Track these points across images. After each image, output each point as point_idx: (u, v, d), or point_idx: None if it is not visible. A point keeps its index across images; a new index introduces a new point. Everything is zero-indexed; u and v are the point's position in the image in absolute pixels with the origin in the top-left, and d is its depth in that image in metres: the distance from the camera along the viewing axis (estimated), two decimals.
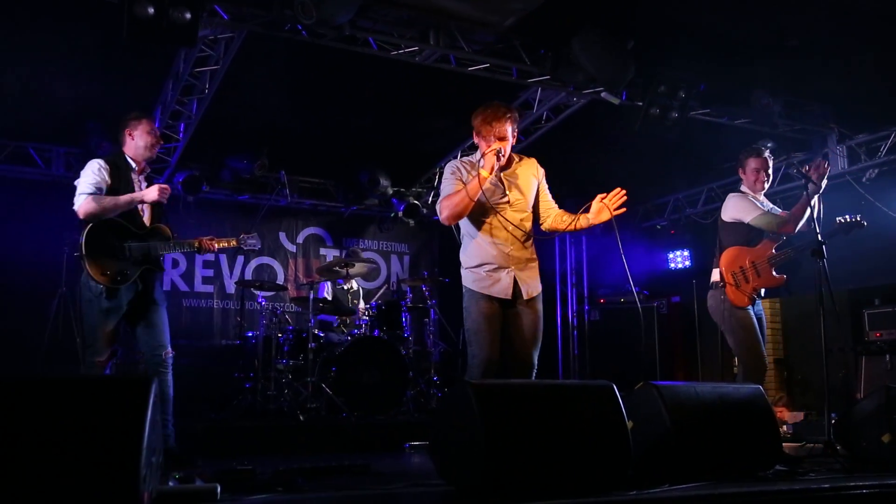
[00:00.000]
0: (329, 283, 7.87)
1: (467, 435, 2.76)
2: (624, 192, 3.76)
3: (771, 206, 5.20)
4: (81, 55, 5.97)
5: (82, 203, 4.20)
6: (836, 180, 7.47)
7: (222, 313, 8.76)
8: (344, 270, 7.44)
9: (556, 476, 2.77)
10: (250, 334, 7.48)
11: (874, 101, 6.78)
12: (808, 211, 4.72)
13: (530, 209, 3.93)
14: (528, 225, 3.91)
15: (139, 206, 4.37)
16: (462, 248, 3.93)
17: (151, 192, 4.30)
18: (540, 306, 3.86)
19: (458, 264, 3.96)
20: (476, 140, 3.88)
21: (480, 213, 3.78)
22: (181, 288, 8.63)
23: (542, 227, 4.01)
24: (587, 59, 5.75)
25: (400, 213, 9.37)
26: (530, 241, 3.92)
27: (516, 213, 3.84)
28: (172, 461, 3.95)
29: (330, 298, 7.71)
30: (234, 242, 4.87)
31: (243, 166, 8.12)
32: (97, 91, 6.58)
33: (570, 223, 3.89)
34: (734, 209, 5.07)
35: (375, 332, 7.16)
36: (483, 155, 3.73)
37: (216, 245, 4.64)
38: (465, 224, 3.86)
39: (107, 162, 4.33)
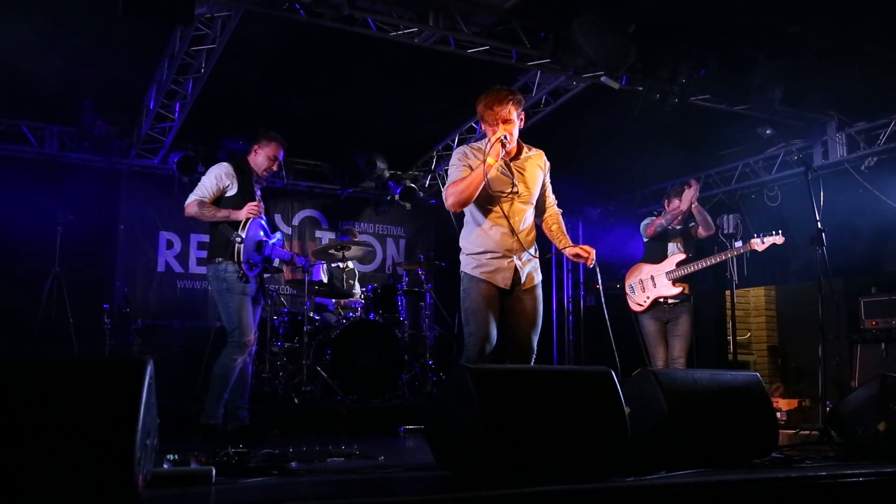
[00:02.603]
0: (324, 264, 7.84)
1: (464, 420, 2.75)
2: (593, 257, 3.86)
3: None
4: (76, 33, 5.90)
5: (189, 203, 4.76)
6: (835, 168, 7.47)
7: None
8: (340, 253, 7.41)
9: (553, 462, 2.76)
10: None
11: (874, 89, 6.75)
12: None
13: (535, 200, 3.90)
14: (532, 215, 3.90)
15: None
16: (464, 234, 3.90)
17: (242, 212, 4.72)
18: (540, 293, 3.85)
19: (455, 248, 3.93)
20: (483, 127, 3.83)
21: (487, 200, 3.74)
22: (175, 269, 8.60)
23: (535, 221, 4.00)
24: (587, 43, 5.69)
25: (396, 197, 9.34)
26: (534, 232, 3.90)
27: (522, 203, 3.82)
28: (247, 436, 4.57)
29: (325, 280, 7.69)
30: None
31: (239, 147, 8.06)
32: (92, 69, 6.51)
33: (552, 235, 4.02)
34: None
35: (371, 316, 7.14)
36: (490, 142, 3.69)
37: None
38: (470, 210, 3.82)
39: (233, 167, 4.85)
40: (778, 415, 6.50)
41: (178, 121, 7.24)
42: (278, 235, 5.15)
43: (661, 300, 5.89)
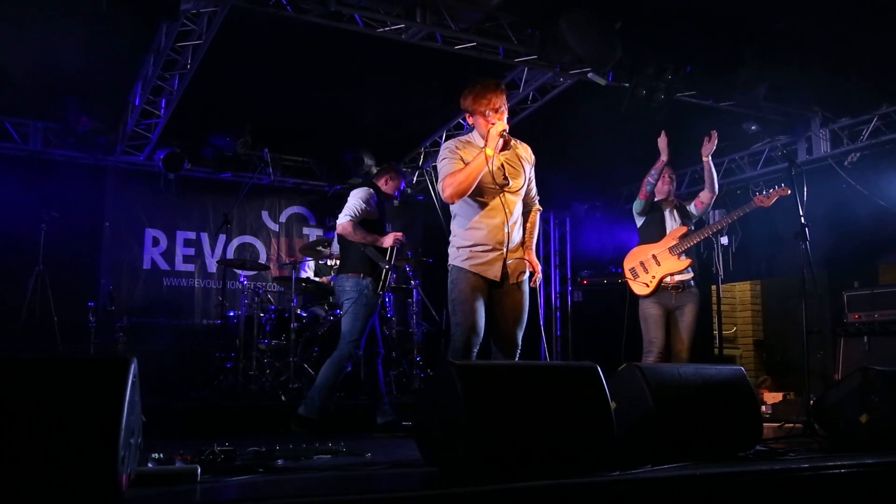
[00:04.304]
0: (311, 262, 7.83)
1: (451, 416, 2.75)
2: (537, 281, 3.87)
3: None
4: (60, 28, 5.84)
5: (345, 223, 5.24)
6: (818, 164, 7.52)
7: (203, 293, 8.71)
8: (327, 250, 7.39)
9: (539, 456, 2.78)
10: (232, 314, 7.43)
11: (857, 86, 6.80)
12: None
13: (523, 193, 3.91)
14: (521, 209, 3.90)
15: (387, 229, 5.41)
16: (454, 227, 3.90)
17: (388, 239, 5.21)
18: (527, 288, 3.85)
19: (443, 245, 3.93)
20: (470, 121, 3.83)
21: (478, 193, 3.74)
22: (161, 266, 8.56)
23: None
24: (574, 40, 5.70)
25: None
26: (521, 225, 3.91)
27: (513, 195, 3.82)
28: (395, 428, 5.16)
29: (312, 277, 7.67)
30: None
31: (226, 144, 8.03)
32: (76, 65, 6.45)
33: (526, 236, 3.95)
34: None
35: None
36: (487, 134, 3.68)
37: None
38: (460, 203, 3.81)
39: (377, 193, 5.41)
40: (763, 408, 6.54)
41: (164, 117, 7.20)
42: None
43: (668, 280, 5.51)
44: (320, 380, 5.19)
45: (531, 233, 3.97)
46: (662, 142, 5.57)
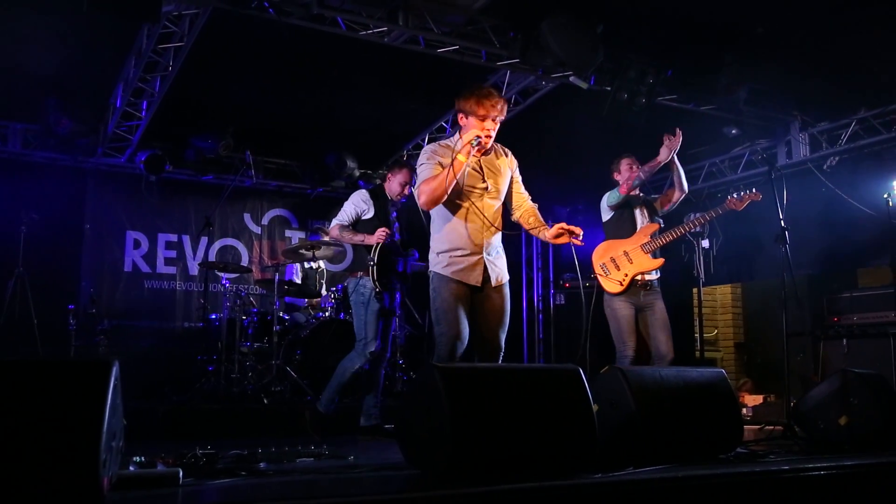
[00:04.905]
0: (298, 265, 7.81)
1: (433, 418, 2.76)
2: (581, 232, 3.76)
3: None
4: (40, 29, 5.79)
5: (332, 227, 5.39)
6: (797, 168, 7.60)
7: (185, 295, 8.65)
8: (310, 253, 7.38)
9: (521, 459, 2.78)
10: (214, 317, 7.39)
11: (835, 90, 6.88)
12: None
13: (503, 197, 3.92)
14: (500, 213, 3.91)
15: (395, 232, 5.38)
16: (433, 231, 3.90)
17: (374, 237, 5.16)
18: (507, 291, 3.86)
19: (426, 247, 3.93)
20: (462, 122, 3.81)
21: (456, 197, 3.74)
22: (143, 269, 8.50)
23: (512, 219, 4.01)
24: (556, 43, 5.73)
25: None
26: (501, 229, 3.91)
27: (491, 200, 3.83)
28: (378, 433, 5.14)
29: (299, 280, 7.65)
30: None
31: (208, 146, 7.98)
32: (57, 66, 6.40)
33: (532, 228, 3.91)
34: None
35: (341, 316, 7.12)
36: (463, 141, 3.68)
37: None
38: (439, 208, 3.82)
39: (369, 194, 5.40)
40: (744, 410, 6.59)
41: (145, 119, 7.15)
42: (414, 254, 5.50)
43: (639, 279, 5.36)
44: (331, 379, 5.29)
45: (536, 217, 3.92)
46: (673, 142, 5.28)
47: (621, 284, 5.37)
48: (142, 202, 8.42)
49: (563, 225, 3.73)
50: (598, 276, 5.53)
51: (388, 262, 5.21)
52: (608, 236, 5.64)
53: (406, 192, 5.42)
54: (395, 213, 5.51)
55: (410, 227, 5.64)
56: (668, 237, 5.44)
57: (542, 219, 3.97)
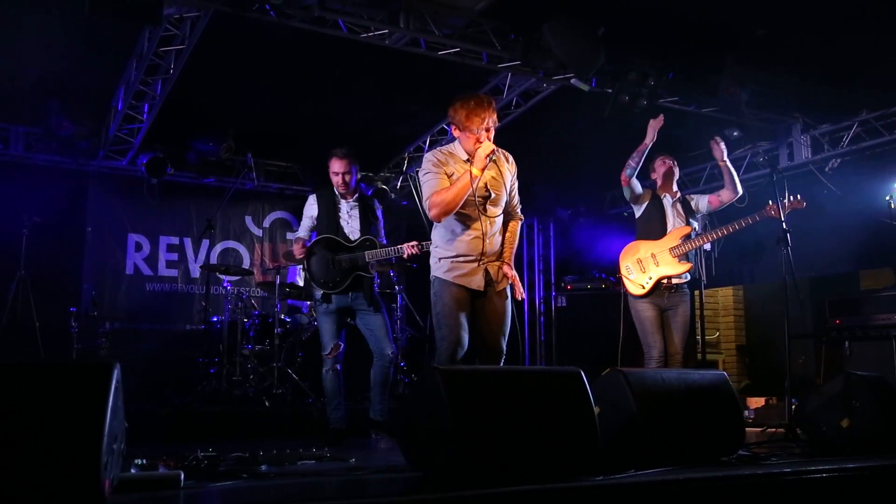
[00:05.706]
0: (301, 267, 7.80)
1: (435, 421, 2.75)
2: (522, 297, 3.88)
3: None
4: (42, 32, 5.80)
5: (294, 246, 5.13)
6: (799, 170, 7.59)
7: (186, 298, 8.65)
8: None
9: (523, 461, 2.78)
10: (215, 319, 7.39)
11: (837, 92, 6.87)
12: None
13: (505, 203, 3.91)
14: (502, 219, 3.91)
15: (344, 223, 5.12)
16: (434, 237, 3.90)
17: (296, 251, 5.08)
18: (510, 295, 3.86)
19: (418, 236, 3.93)
20: (456, 134, 3.80)
21: (461, 205, 3.75)
22: (144, 272, 8.50)
23: None
24: (557, 45, 5.73)
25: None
26: (502, 235, 3.91)
27: (494, 206, 3.83)
28: (378, 427, 5.09)
29: (301, 283, 7.65)
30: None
31: (209, 149, 7.98)
32: (58, 70, 6.41)
33: (505, 246, 3.92)
34: None
35: None
36: (474, 151, 3.67)
37: (417, 251, 4.79)
38: None
39: (315, 195, 5.25)
40: (746, 413, 6.58)
41: (146, 122, 7.16)
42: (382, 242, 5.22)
43: (665, 281, 5.21)
44: (373, 388, 5.18)
45: (511, 243, 3.94)
46: (656, 122, 5.26)
47: (644, 287, 5.25)
48: (143, 205, 8.42)
49: (515, 278, 3.85)
50: (623, 277, 5.40)
51: (327, 262, 5.01)
52: (639, 235, 5.51)
53: (346, 179, 5.17)
54: (347, 207, 5.22)
55: (412, 233, 5.58)
56: (699, 241, 5.28)
57: (514, 244, 3.97)
